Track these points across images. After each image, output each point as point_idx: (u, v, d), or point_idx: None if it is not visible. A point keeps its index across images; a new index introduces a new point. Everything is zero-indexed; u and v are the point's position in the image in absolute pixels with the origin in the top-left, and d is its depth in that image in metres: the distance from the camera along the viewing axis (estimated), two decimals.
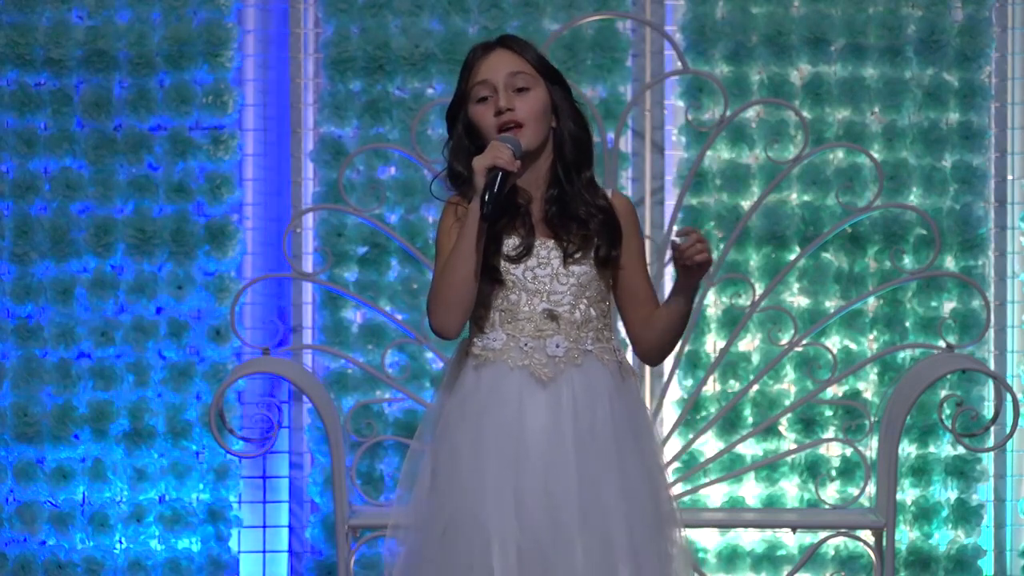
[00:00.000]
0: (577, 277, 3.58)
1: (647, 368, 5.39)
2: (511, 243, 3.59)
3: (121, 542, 5.42)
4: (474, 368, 3.60)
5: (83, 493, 5.43)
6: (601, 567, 3.46)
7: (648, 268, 3.70)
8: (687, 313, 3.58)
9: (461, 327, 3.57)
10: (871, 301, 5.39)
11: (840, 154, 5.39)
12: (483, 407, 3.56)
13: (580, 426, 3.52)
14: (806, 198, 5.39)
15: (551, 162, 3.63)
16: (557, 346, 3.56)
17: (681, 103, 5.42)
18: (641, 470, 3.56)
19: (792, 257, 5.34)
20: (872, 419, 5.32)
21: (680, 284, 3.54)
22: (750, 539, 5.41)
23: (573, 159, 3.62)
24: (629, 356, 5.33)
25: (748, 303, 5.33)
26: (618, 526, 3.48)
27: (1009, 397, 5.01)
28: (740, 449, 5.38)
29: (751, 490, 5.41)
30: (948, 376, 5.27)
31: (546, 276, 3.58)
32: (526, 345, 3.56)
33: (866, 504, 5.34)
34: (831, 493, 5.38)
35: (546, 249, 3.59)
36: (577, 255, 3.58)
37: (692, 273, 3.50)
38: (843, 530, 5.22)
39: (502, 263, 3.58)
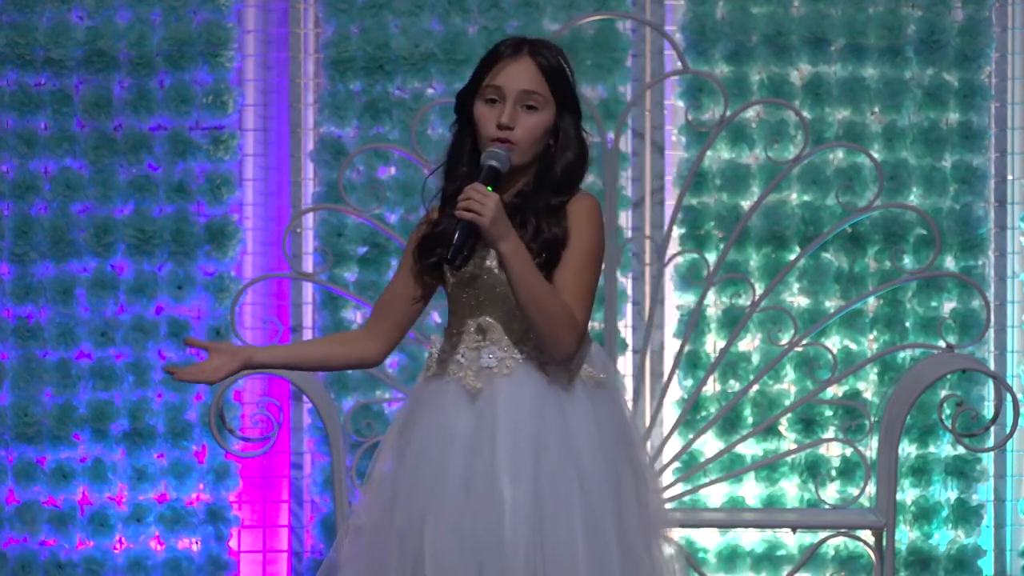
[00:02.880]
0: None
1: (647, 368, 5.38)
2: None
3: (121, 542, 5.43)
4: (424, 380, 3.62)
5: (83, 493, 5.43)
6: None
7: (577, 267, 3.52)
8: (515, 282, 3.44)
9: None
10: (871, 301, 5.39)
11: (840, 154, 5.39)
12: (420, 421, 3.57)
13: (503, 435, 3.49)
14: (806, 198, 5.39)
15: (527, 178, 3.56)
16: (491, 356, 3.55)
17: (681, 103, 5.42)
18: (582, 475, 3.52)
19: (792, 257, 5.34)
20: (872, 419, 5.32)
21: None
22: (750, 539, 5.41)
23: (554, 184, 3.55)
24: (623, 365, 5.37)
25: (748, 303, 5.33)
26: (542, 528, 3.46)
27: (1009, 397, 5.01)
28: (740, 449, 5.38)
29: (751, 490, 5.41)
30: (948, 376, 5.27)
31: (486, 287, 3.56)
32: (463, 357, 3.56)
33: (866, 504, 5.34)
34: (831, 493, 5.38)
35: (490, 259, 3.53)
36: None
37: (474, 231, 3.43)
38: (843, 530, 5.22)
39: (446, 269, 3.57)
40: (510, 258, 3.43)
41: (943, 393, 5.30)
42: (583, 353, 3.56)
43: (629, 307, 5.42)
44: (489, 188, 3.42)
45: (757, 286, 5.33)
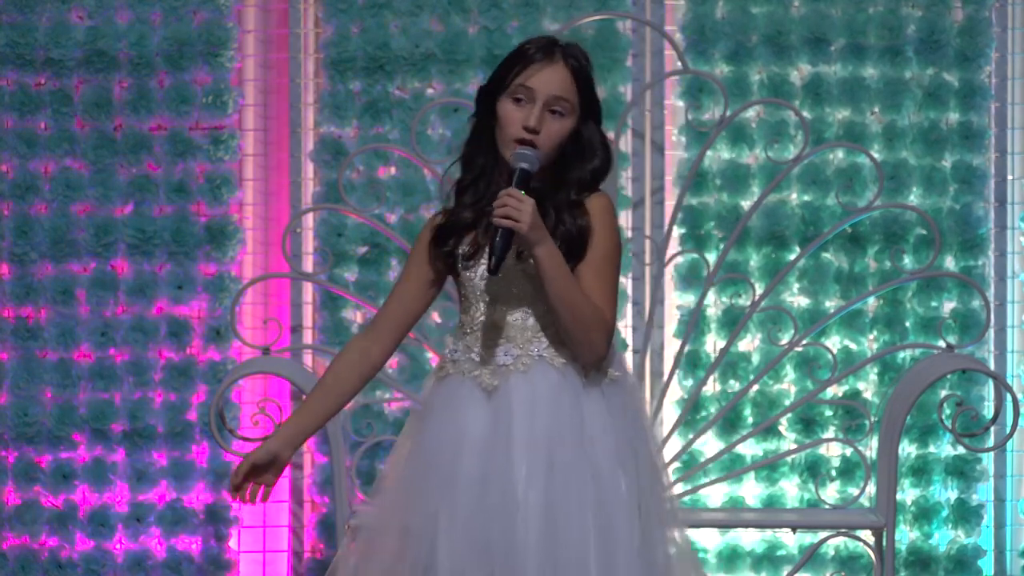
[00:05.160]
0: (530, 284, 3.53)
1: (647, 368, 5.39)
2: (467, 240, 3.56)
3: (121, 542, 5.43)
4: (438, 380, 3.60)
5: (83, 493, 5.43)
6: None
7: (599, 269, 3.53)
8: (551, 286, 3.43)
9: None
10: (871, 301, 5.39)
11: (840, 154, 5.39)
12: (434, 420, 3.55)
13: (518, 433, 3.47)
14: (806, 198, 5.40)
15: (544, 176, 3.55)
16: (506, 354, 3.53)
17: (681, 103, 5.42)
18: (596, 471, 3.50)
19: (792, 257, 5.35)
20: (872, 419, 5.32)
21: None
22: (750, 539, 5.41)
23: (574, 181, 3.55)
24: (629, 359, 5.37)
25: (748, 303, 5.33)
26: (555, 529, 3.45)
27: (1009, 397, 5.01)
28: (740, 449, 5.38)
29: (751, 490, 5.42)
30: (948, 376, 5.27)
31: (502, 284, 3.52)
32: (477, 356, 3.54)
33: (866, 504, 5.34)
34: (831, 493, 5.38)
35: (508, 257, 3.50)
36: (531, 261, 3.49)
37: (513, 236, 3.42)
38: (843, 530, 5.22)
39: (459, 264, 3.57)
40: (546, 262, 3.44)
41: (943, 393, 5.30)
42: (611, 353, 3.56)
43: (629, 307, 5.42)
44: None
45: (757, 286, 5.33)
